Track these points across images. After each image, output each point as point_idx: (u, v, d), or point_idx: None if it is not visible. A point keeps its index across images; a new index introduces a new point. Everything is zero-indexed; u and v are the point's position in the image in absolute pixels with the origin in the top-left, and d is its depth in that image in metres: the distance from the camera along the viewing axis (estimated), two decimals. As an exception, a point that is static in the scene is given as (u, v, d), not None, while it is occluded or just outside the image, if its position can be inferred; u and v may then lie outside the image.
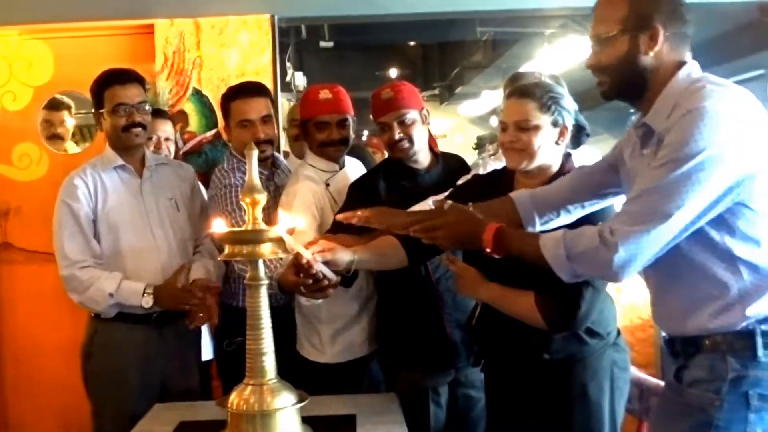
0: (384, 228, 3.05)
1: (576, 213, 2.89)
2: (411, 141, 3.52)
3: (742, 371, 2.32)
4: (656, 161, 2.28)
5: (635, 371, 3.66)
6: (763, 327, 2.32)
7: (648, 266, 2.36)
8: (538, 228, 2.89)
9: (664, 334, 2.61)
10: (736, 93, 2.32)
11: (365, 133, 11.88)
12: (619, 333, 3.18)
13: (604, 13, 2.47)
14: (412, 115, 3.52)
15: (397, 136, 3.50)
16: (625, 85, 2.48)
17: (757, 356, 2.31)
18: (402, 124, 3.51)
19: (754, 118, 2.28)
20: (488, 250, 2.57)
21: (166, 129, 4.63)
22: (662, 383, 2.72)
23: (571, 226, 2.79)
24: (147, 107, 3.81)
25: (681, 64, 2.43)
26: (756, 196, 2.28)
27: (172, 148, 4.66)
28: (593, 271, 2.40)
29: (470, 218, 2.67)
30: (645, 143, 2.47)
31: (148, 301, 3.66)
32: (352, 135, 3.82)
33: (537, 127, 2.95)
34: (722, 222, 2.30)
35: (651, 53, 2.41)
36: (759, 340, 2.31)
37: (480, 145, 10.68)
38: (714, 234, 2.31)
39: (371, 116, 3.65)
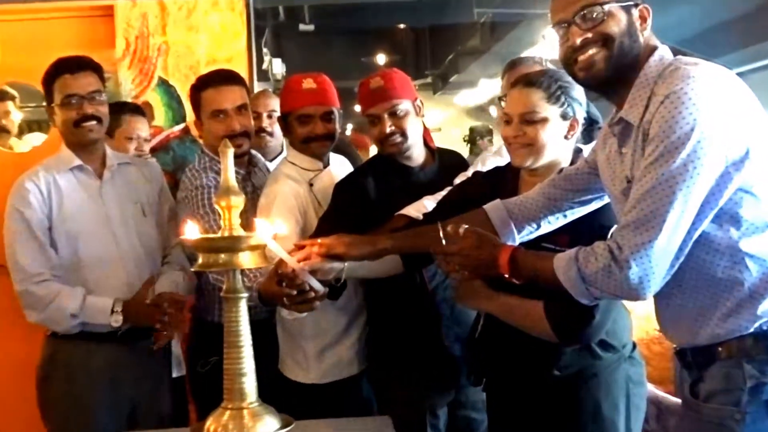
0: (349, 259, 3.06)
1: (557, 222, 2.91)
2: (404, 135, 3.53)
3: (761, 378, 2.32)
4: (646, 159, 2.30)
5: (652, 389, 3.68)
6: None
7: None
8: (517, 242, 2.91)
9: (674, 345, 2.62)
10: (713, 70, 2.35)
11: (349, 127, 11.86)
12: (634, 346, 3.20)
13: None
14: (404, 105, 3.53)
15: (388, 130, 3.51)
16: (621, 61, 2.47)
17: None
18: (393, 115, 3.52)
19: (735, 94, 2.31)
20: (506, 276, 2.60)
21: (144, 128, 4.66)
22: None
23: (580, 227, 2.84)
24: (102, 97, 3.77)
25: (653, 49, 2.48)
26: (756, 181, 2.30)
27: (147, 148, 4.68)
28: (611, 292, 2.38)
29: (488, 242, 2.68)
30: (623, 141, 2.50)
31: (117, 320, 3.64)
32: (337, 129, 3.83)
33: (544, 120, 2.95)
34: (725, 214, 2.32)
35: (643, 34, 2.47)
36: None
37: (472, 140, 10.69)
38: (715, 230, 2.33)
39: (359, 108, 3.65)
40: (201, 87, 3.90)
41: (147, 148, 4.69)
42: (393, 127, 3.51)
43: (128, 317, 3.66)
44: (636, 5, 2.47)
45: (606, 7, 2.44)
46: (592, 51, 2.47)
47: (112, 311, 3.64)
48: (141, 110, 4.82)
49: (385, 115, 3.51)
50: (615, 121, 2.52)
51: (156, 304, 3.68)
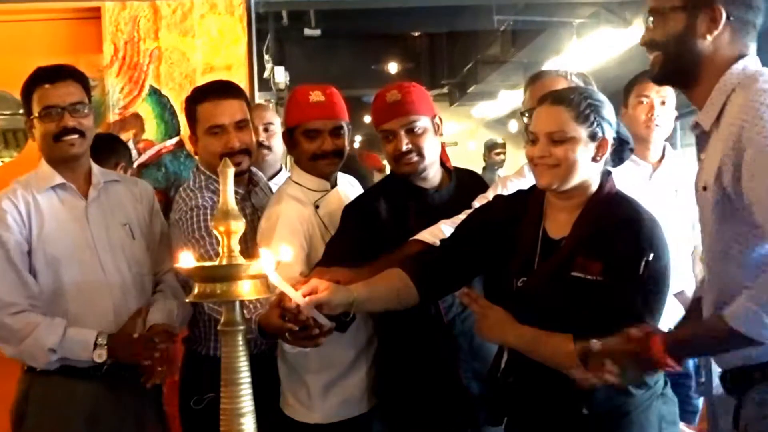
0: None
1: None
2: (420, 154, 3.54)
3: None
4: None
5: (684, 427, 3.68)
6: None
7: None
8: None
9: (718, 369, 2.68)
10: None
11: (357, 138, 11.84)
12: (666, 382, 3.21)
13: None
14: (422, 122, 3.55)
15: (404, 147, 3.52)
16: (675, 67, 2.60)
17: None
18: (410, 132, 3.54)
19: None
20: (667, 364, 2.61)
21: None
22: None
23: (613, 252, 2.87)
24: (86, 109, 3.74)
25: (740, 56, 2.52)
26: None
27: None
28: None
29: (633, 339, 2.69)
30: (701, 147, 2.59)
31: (101, 355, 3.61)
32: (347, 145, 3.83)
33: (573, 140, 2.96)
34: None
35: (709, 37, 2.52)
36: None
37: (485, 154, 10.79)
38: None
39: (369, 119, 3.65)
40: (197, 99, 3.89)
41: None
42: (409, 145, 3.53)
43: (114, 352, 3.63)
44: (704, 6, 2.53)
45: (662, 10, 2.57)
46: (653, 54, 2.64)
47: (96, 345, 3.61)
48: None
49: (402, 132, 3.53)
50: (693, 124, 2.63)
51: (147, 338, 3.65)
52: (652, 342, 2.61)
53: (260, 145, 4.50)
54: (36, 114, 3.69)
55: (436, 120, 3.64)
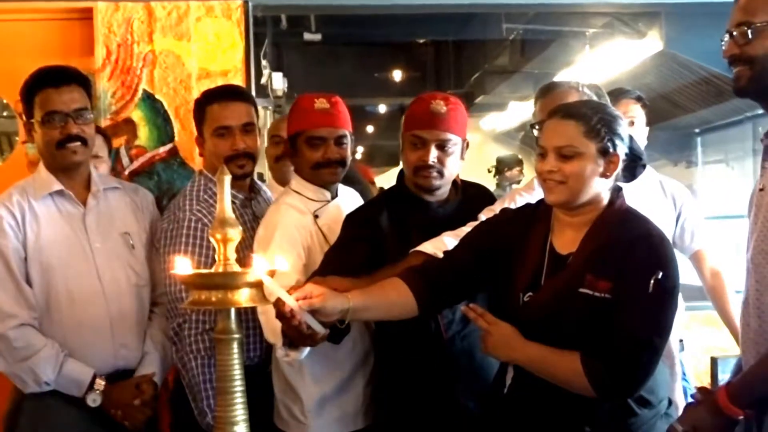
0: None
1: None
2: (441, 172, 3.60)
3: None
4: None
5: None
6: None
7: None
8: None
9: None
10: None
11: (360, 149, 11.76)
12: (670, 403, 3.26)
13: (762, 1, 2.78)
14: (455, 142, 3.62)
15: (431, 160, 3.57)
16: (764, 82, 2.80)
17: None
18: (441, 148, 3.59)
19: None
20: (737, 414, 2.82)
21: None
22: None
23: (624, 270, 2.96)
24: (89, 116, 3.80)
25: None
26: None
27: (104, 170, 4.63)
28: None
29: (703, 402, 2.94)
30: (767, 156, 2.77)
31: (95, 400, 3.70)
32: (349, 156, 3.87)
33: (582, 156, 3.01)
34: None
35: None
36: None
37: (499, 170, 10.70)
38: None
39: (405, 124, 3.68)
40: (206, 101, 3.99)
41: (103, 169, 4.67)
42: (435, 160, 3.58)
43: (108, 403, 3.72)
44: None
45: (759, 27, 2.72)
46: (738, 68, 2.81)
47: (92, 387, 3.70)
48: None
49: (433, 145, 3.58)
50: (763, 134, 2.84)
51: (146, 402, 3.77)
52: (718, 391, 2.83)
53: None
54: (38, 118, 3.73)
55: (464, 144, 3.69)
